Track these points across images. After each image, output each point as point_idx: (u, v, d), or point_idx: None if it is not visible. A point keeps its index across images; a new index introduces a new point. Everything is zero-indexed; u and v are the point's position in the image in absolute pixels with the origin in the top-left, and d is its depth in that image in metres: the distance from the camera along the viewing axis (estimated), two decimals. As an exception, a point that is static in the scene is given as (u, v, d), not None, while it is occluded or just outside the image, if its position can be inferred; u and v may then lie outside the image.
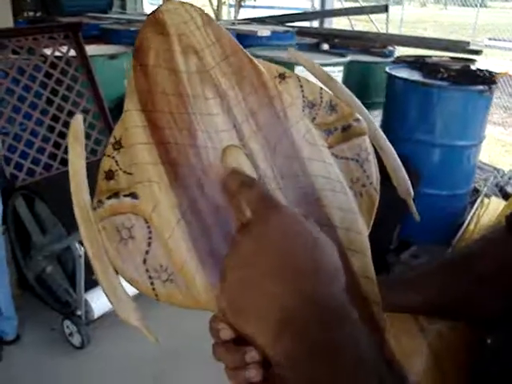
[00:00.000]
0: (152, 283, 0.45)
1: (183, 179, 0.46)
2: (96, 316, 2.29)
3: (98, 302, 2.27)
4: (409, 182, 0.58)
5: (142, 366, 2.18)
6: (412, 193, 0.58)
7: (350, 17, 7.96)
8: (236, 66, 0.51)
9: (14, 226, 2.51)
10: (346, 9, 5.81)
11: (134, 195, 0.46)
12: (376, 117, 3.53)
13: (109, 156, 0.47)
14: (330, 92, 0.55)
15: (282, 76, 0.52)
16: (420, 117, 2.93)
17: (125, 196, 0.46)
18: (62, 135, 2.61)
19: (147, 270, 0.45)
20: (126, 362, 2.21)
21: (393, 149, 0.57)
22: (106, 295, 0.46)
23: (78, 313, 2.25)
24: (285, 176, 0.49)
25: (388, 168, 0.57)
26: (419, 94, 2.87)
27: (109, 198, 0.46)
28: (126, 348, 2.27)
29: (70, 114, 2.66)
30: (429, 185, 2.92)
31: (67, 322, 2.28)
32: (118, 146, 0.47)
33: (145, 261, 0.45)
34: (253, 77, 0.51)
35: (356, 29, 6.66)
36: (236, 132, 0.49)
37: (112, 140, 0.48)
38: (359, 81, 3.58)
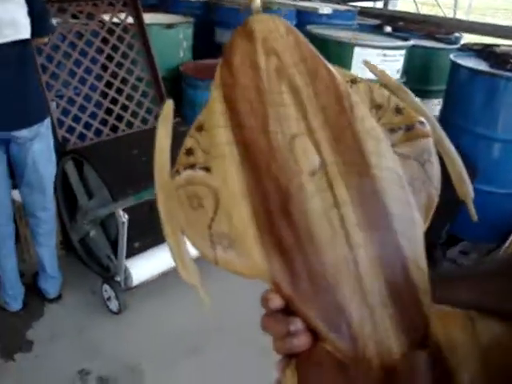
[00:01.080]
0: (214, 248, 0.49)
1: (252, 159, 0.52)
2: (135, 283, 2.31)
3: (137, 270, 2.30)
4: (470, 185, 0.58)
5: (175, 337, 2.19)
6: (472, 195, 0.59)
7: (416, 0, 7.69)
8: (311, 68, 0.56)
9: (62, 188, 2.56)
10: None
11: (207, 169, 0.52)
12: (436, 105, 3.40)
13: (191, 137, 0.54)
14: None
15: (353, 81, 0.57)
16: (483, 109, 2.79)
17: (200, 168, 0.52)
18: (115, 102, 2.62)
19: (211, 235, 0.49)
20: (159, 331, 2.23)
21: (456, 153, 0.58)
22: (172, 254, 0.50)
23: (117, 278, 2.28)
24: (346, 163, 0.52)
25: (450, 171, 0.58)
26: (484, 84, 2.72)
27: (185, 168, 0.52)
28: (160, 318, 2.30)
29: (124, 80, 2.67)
30: (485, 181, 2.79)
31: (106, 287, 2.31)
32: (200, 128, 0.54)
33: (210, 227, 0.50)
34: (326, 78, 0.56)
35: (421, 12, 6.41)
36: (304, 122, 0.54)
37: (196, 123, 0.54)
38: (421, 67, 3.44)
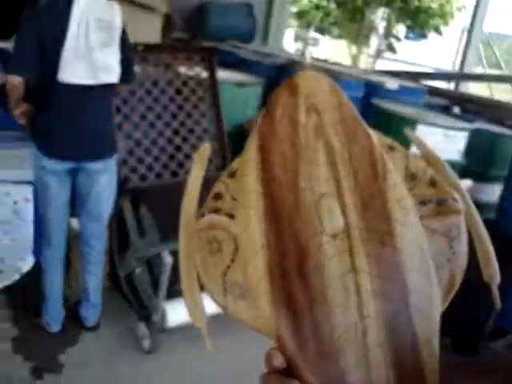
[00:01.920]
0: (225, 295, 0.49)
1: (276, 212, 0.52)
2: (170, 325, 2.34)
3: (174, 313, 2.33)
4: (497, 267, 0.56)
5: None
6: (498, 279, 0.57)
7: (492, 85, 7.65)
8: (350, 130, 0.56)
9: (117, 224, 2.67)
10: (483, 74, 5.60)
11: (231, 215, 0.52)
12: (495, 191, 3.33)
13: (222, 182, 0.55)
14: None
15: (390, 147, 0.57)
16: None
17: (224, 214, 0.52)
18: (178, 149, 2.75)
19: (224, 283, 0.50)
20: (188, 376, 2.23)
21: (487, 234, 0.57)
22: (184, 295, 0.52)
23: (154, 318, 2.32)
24: (370, 230, 0.51)
25: (478, 252, 0.57)
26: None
27: (210, 212, 0.53)
28: (190, 363, 2.30)
29: (191, 131, 2.80)
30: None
31: (141, 325, 2.36)
32: (232, 175, 0.55)
33: (225, 274, 0.50)
34: (363, 141, 0.55)
35: (494, 97, 6.38)
36: (335, 183, 0.53)
37: (229, 170, 0.55)
38: (485, 151, 3.41)
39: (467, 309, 2.55)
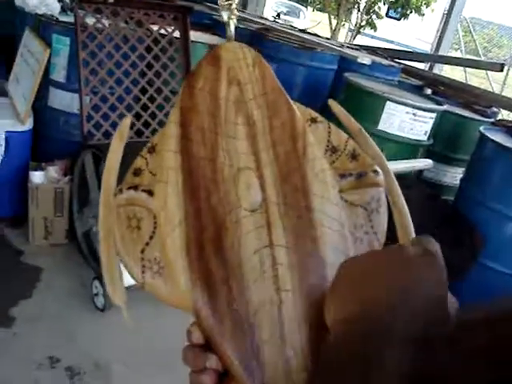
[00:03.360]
0: (143, 271, 0.49)
1: (195, 187, 0.52)
2: (125, 284, 2.33)
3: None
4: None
5: (150, 347, 2.20)
6: None
7: (468, 71, 7.72)
8: (271, 103, 0.56)
9: (78, 180, 2.63)
10: (457, 58, 5.64)
11: (150, 192, 0.52)
12: (459, 174, 3.39)
13: (142, 157, 0.54)
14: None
15: (313, 120, 0.57)
16: (503, 186, 2.78)
17: (143, 191, 0.52)
18: (145, 108, 2.70)
19: (142, 259, 0.49)
20: (137, 338, 2.24)
21: (406, 207, 0.58)
22: (103, 271, 0.52)
23: (109, 277, 2.31)
24: (288, 204, 0.52)
25: (397, 224, 0.58)
26: (507, 161, 2.72)
27: (129, 188, 0.52)
28: (142, 325, 2.31)
29: (159, 90, 2.75)
30: (492, 258, 2.76)
31: (96, 283, 2.35)
32: (152, 150, 0.55)
33: (143, 250, 0.50)
34: (284, 114, 0.56)
35: (470, 83, 6.44)
36: (254, 157, 0.54)
37: (149, 144, 0.55)
38: (450, 133, 3.45)
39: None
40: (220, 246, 0.49)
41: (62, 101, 2.90)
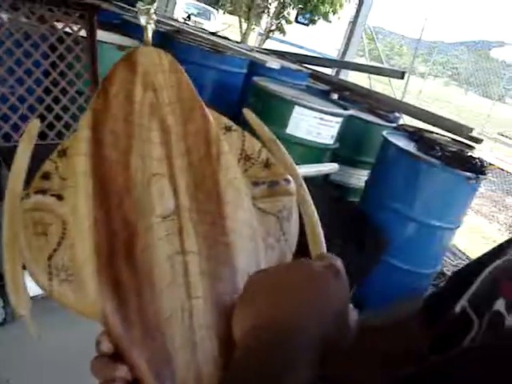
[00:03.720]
0: (50, 279, 0.48)
1: (106, 193, 0.50)
2: (30, 295, 2.22)
3: (33, 282, 2.21)
4: (324, 248, 0.59)
5: (55, 360, 2.10)
6: None
7: (372, 77, 8.09)
8: (186, 110, 0.56)
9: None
10: (362, 65, 5.91)
11: (59, 197, 0.50)
12: (364, 176, 3.54)
13: (52, 160, 0.53)
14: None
15: (227, 128, 0.58)
16: (403, 187, 2.94)
17: (51, 195, 0.51)
18: (50, 109, 2.58)
19: (49, 266, 0.48)
20: (44, 346, 2.13)
21: (317, 216, 0.60)
22: (6, 279, 0.49)
23: (10, 287, 2.18)
24: (201, 211, 0.52)
25: (308, 232, 0.59)
26: (408, 164, 2.88)
27: (36, 193, 0.50)
28: (47, 333, 2.20)
29: (64, 91, 2.64)
30: (395, 256, 2.91)
31: (-4, 294, 2.21)
32: (62, 153, 0.53)
33: (50, 257, 0.48)
34: (199, 121, 0.56)
35: (373, 89, 6.75)
36: (168, 163, 0.53)
37: (59, 148, 0.53)
38: (355, 137, 3.60)
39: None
40: (131, 253, 0.48)
41: (-44, 100, 2.70)
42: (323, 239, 0.59)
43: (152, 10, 0.61)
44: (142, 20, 0.60)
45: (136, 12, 0.60)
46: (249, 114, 0.65)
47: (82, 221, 0.49)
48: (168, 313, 0.47)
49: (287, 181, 0.56)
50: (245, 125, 0.63)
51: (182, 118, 0.56)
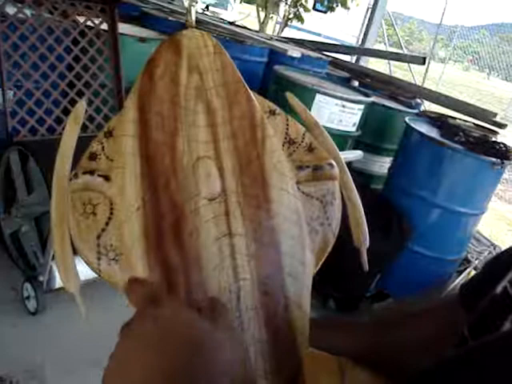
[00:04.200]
0: (99, 258, 0.49)
1: (153, 174, 0.51)
2: (58, 286, 2.26)
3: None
4: (367, 233, 0.60)
5: (86, 347, 2.14)
6: (367, 244, 0.61)
7: (392, 63, 7.99)
8: (232, 93, 0.56)
9: (3, 179, 2.51)
10: (383, 51, 5.84)
11: (107, 177, 0.51)
12: (387, 163, 3.52)
13: (98, 141, 0.53)
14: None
15: (272, 112, 0.58)
16: (427, 174, 2.91)
17: (99, 176, 0.51)
18: (74, 103, 2.61)
19: (98, 245, 0.49)
20: (72, 339, 2.18)
21: (359, 201, 0.61)
22: (56, 258, 0.50)
23: (41, 278, 2.23)
24: (247, 195, 0.52)
25: (350, 217, 0.60)
26: (431, 151, 2.85)
27: (84, 173, 0.51)
28: (75, 325, 2.25)
29: (87, 84, 2.67)
30: (420, 243, 2.89)
31: (27, 285, 2.26)
32: (108, 134, 0.53)
33: (99, 237, 0.49)
34: (244, 105, 0.56)
35: (394, 75, 6.67)
36: (214, 146, 0.53)
37: (105, 129, 0.54)
38: (377, 124, 3.57)
39: (352, 271, 2.71)
40: (178, 234, 0.49)
41: (-17, 96, 2.75)
42: (365, 223, 0.60)
43: None
44: (185, 1, 0.60)
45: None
46: (292, 98, 0.64)
47: (130, 202, 0.50)
48: (216, 294, 0.48)
49: (331, 165, 0.57)
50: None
51: (227, 102, 0.56)
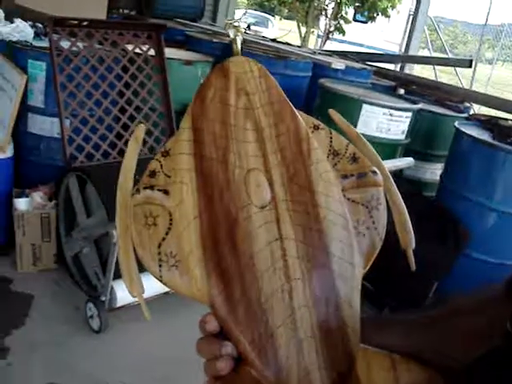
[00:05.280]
0: (160, 265, 0.52)
1: (208, 187, 0.55)
2: (119, 305, 2.34)
3: (123, 292, 2.33)
4: (413, 235, 0.62)
5: (150, 364, 2.20)
6: (413, 246, 0.62)
7: (437, 68, 7.88)
8: (277, 111, 0.60)
9: (64, 204, 2.63)
10: (428, 57, 5.77)
11: (166, 191, 0.55)
12: (438, 170, 3.46)
13: (157, 160, 0.57)
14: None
15: (316, 127, 0.61)
16: (482, 178, 2.85)
17: (158, 190, 0.55)
18: (126, 127, 2.71)
19: (159, 253, 0.52)
20: (136, 356, 2.24)
21: (404, 205, 0.62)
22: (121, 267, 0.54)
23: (103, 298, 2.31)
24: (295, 202, 0.56)
25: (396, 221, 0.62)
26: (484, 154, 2.79)
27: (145, 188, 0.55)
28: (139, 343, 2.32)
29: (138, 108, 2.77)
30: (479, 249, 2.82)
31: (90, 305, 2.35)
32: (166, 154, 0.57)
33: (159, 245, 0.53)
34: (289, 121, 0.60)
35: (440, 80, 6.57)
36: (263, 159, 0.57)
37: (162, 149, 0.58)
38: (427, 131, 3.53)
39: (408, 281, 2.67)
40: (233, 240, 0.53)
41: (42, 126, 2.89)
42: (411, 227, 0.61)
43: (239, 24, 0.64)
44: (231, 33, 0.65)
45: (224, 27, 0.64)
46: (334, 114, 0.67)
47: (188, 212, 0.54)
48: (269, 293, 0.51)
49: (374, 172, 0.59)
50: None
51: (273, 119, 0.60)
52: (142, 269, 0.54)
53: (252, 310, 0.50)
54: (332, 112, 0.67)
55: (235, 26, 0.64)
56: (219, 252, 0.52)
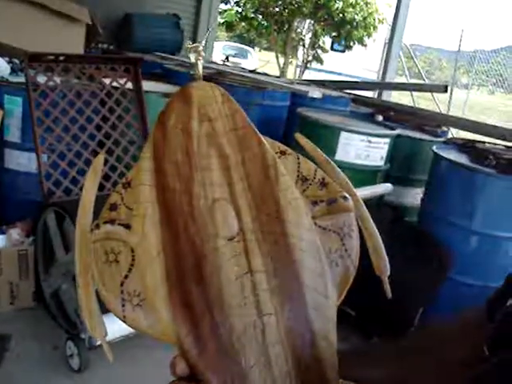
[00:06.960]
0: (123, 305, 0.49)
1: (172, 220, 0.52)
2: (99, 342, 2.27)
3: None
4: (387, 261, 0.60)
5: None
6: (388, 272, 0.60)
7: (414, 94, 8.02)
8: (242, 137, 0.58)
9: (42, 240, 2.58)
10: (403, 83, 5.87)
11: (127, 226, 0.52)
12: (418, 194, 3.48)
13: (117, 192, 0.55)
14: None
15: (282, 152, 0.59)
16: (461, 201, 2.87)
17: (119, 224, 0.52)
18: (104, 161, 2.68)
19: (122, 292, 0.49)
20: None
21: (376, 230, 0.61)
22: (81, 307, 0.51)
23: (83, 335, 2.25)
24: (264, 231, 0.53)
25: (369, 247, 0.60)
26: (463, 177, 2.82)
27: (105, 222, 0.52)
28: (122, 381, 2.25)
29: (116, 142, 2.75)
30: (461, 272, 2.82)
31: (70, 343, 2.28)
32: (127, 185, 0.55)
33: (122, 284, 0.50)
34: (255, 147, 0.58)
35: (418, 106, 6.68)
36: (229, 188, 0.55)
37: (124, 180, 0.55)
38: (405, 156, 3.56)
39: (395, 305, 2.65)
40: (200, 275, 0.50)
41: (19, 161, 2.87)
42: (385, 253, 0.59)
43: (200, 48, 0.63)
44: (192, 57, 0.63)
45: (185, 51, 0.63)
46: (301, 138, 0.66)
47: (151, 247, 0.51)
48: (241, 331, 0.48)
49: (345, 198, 0.57)
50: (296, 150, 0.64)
51: (238, 145, 0.58)
52: (106, 309, 0.52)
53: (223, 349, 0.47)
54: (298, 136, 0.66)
55: (196, 50, 0.63)
56: (186, 288, 0.49)
